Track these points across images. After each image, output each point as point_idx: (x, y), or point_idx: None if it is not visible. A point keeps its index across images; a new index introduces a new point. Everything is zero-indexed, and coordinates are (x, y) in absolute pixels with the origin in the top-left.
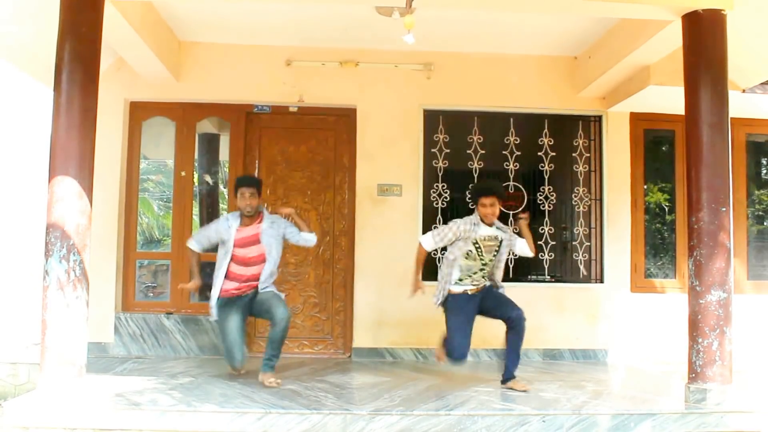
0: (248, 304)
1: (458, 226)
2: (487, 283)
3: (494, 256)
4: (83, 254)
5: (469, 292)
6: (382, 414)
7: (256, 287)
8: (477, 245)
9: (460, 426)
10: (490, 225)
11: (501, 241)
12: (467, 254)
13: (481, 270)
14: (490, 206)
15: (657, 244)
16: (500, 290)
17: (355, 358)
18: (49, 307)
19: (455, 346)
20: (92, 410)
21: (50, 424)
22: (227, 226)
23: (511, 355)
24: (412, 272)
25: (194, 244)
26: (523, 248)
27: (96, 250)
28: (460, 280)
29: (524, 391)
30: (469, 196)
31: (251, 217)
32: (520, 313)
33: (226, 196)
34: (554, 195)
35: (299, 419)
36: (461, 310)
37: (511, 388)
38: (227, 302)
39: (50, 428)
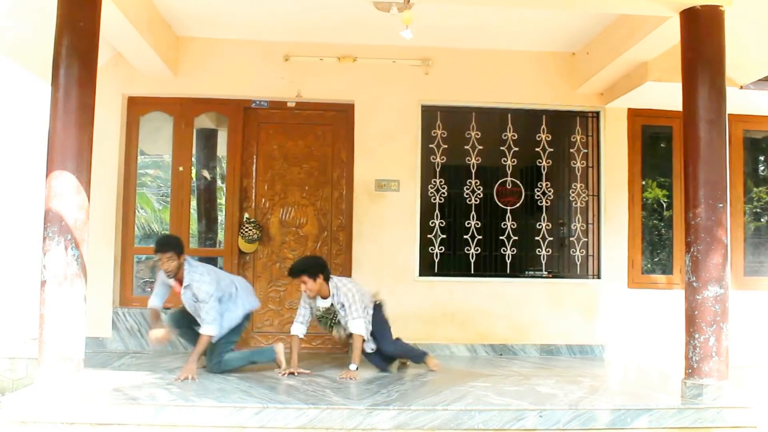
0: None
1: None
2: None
3: (335, 319)
4: (81, 249)
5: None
6: (380, 409)
7: None
8: (320, 314)
9: (457, 421)
10: (324, 298)
11: (335, 312)
12: (318, 318)
13: (330, 329)
14: (304, 284)
15: (654, 240)
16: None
17: None
18: (46, 302)
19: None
20: (90, 405)
21: (48, 419)
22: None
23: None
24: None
25: (154, 299)
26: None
27: (94, 245)
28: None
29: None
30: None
31: (180, 274)
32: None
33: (224, 192)
34: (552, 191)
35: (297, 414)
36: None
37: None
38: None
39: (48, 423)
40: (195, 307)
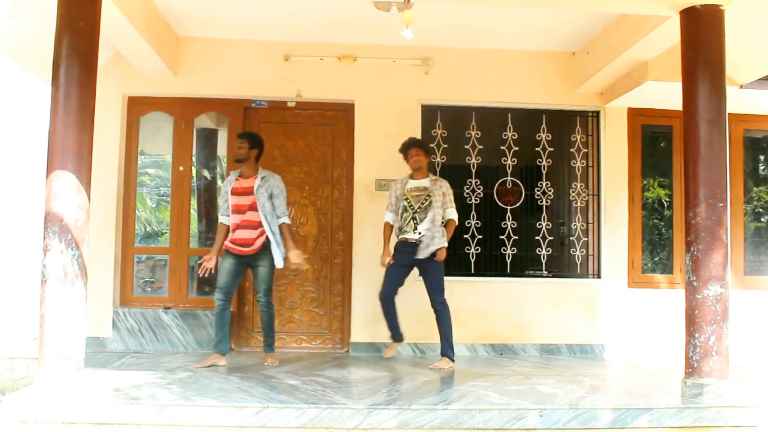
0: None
1: (393, 188)
2: (427, 243)
3: (422, 204)
4: (81, 249)
5: (409, 240)
6: (380, 408)
7: (252, 253)
8: (407, 198)
9: (457, 420)
10: (420, 178)
11: (430, 192)
12: (403, 208)
13: (413, 220)
14: (414, 156)
15: (654, 240)
16: (438, 263)
17: (352, 353)
18: (47, 301)
19: (382, 288)
20: (90, 405)
21: (48, 419)
22: (229, 181)
23: (440, 338)
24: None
25: (221, 217)
26: (450, 214)
27: (94, 244)
28: (400, 229)
29: (437, 369)
30: (402, 153)
31: (249, 169)
32: (440, 304)
33: None
34: (552, 190)
35: (297, 413)
36: (396, 258)
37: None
38: (228, 255)
39: (48, 423)
40: (263, 203)
